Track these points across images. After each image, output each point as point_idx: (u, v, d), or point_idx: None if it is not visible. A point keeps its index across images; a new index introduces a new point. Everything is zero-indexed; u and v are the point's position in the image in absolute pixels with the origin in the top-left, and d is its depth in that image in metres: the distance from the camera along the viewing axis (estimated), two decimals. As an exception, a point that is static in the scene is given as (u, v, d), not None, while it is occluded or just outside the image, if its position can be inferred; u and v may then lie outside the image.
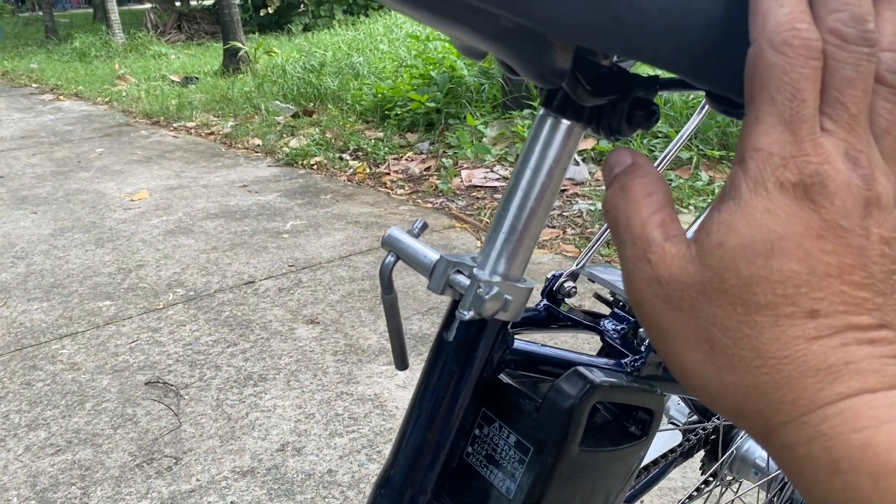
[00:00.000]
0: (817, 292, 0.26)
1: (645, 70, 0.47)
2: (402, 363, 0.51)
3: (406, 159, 4.30)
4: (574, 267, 0.60)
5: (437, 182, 3.85)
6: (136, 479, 1.66)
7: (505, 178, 3.80)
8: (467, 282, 0.42)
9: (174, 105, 6.42)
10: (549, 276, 0.60)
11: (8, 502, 1.60)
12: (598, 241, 0.61)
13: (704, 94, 0.43)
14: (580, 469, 0.45)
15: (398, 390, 1.96)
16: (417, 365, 2.08)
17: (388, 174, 4.10)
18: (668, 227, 0.30)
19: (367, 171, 4.19)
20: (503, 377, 0.47)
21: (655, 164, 0.62)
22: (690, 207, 2.97)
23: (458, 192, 3.73)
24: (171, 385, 2.03)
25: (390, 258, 0.46)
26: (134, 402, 1.96)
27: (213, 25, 13.43)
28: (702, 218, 0.31)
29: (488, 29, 0.32)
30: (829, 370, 0.26)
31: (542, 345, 0.48)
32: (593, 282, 0.62)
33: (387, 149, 4.44)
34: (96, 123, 6.19)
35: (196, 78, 7.85)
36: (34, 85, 8.79)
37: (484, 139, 4.24)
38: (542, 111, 0.42)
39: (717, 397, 0.28)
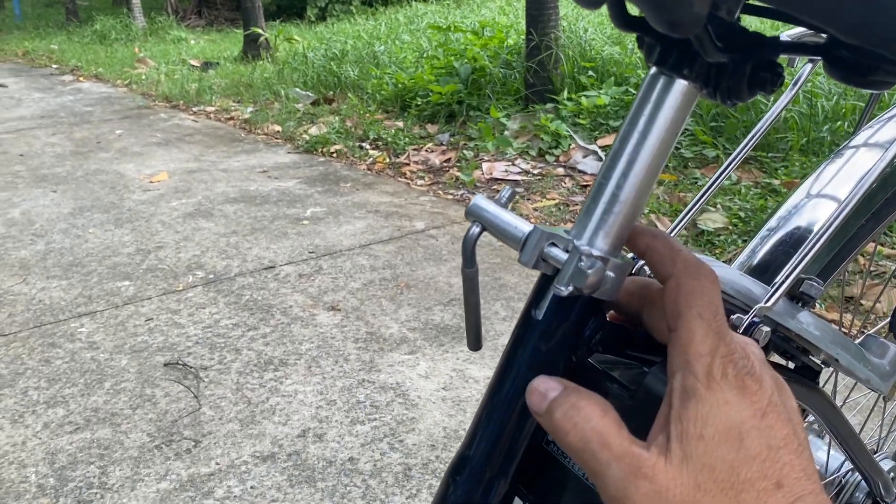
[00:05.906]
0: (776, 463, 0.31)
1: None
2: (475, 343, 0.48)
3: (426, 150, 4.27)
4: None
5: (458, 174, 3.81)
6: (155, 459, 1.64)
7: (527, 172, 3.76)
8: (563, 255, 0.38)
9: (194, 89, 6.41)
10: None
11: (26, 479, 1.58)
12: (680, 222, 0.57)
13: (822, 60, 0.39)
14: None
15: (420, 380, 1.93)
16: (440, 355, 2.06)
17: (409, 164, 4.07)
18: (638, 439, 0.34)
19: (387, 160, 4.16)
20: (591, 361, 0.43)
21: (727, 164, 0.58)
22: (717, 206, 2.92)
23: (479, 184, 3.70)
24: (191, 367, 2.01)
25: (475, 229, 0.43)
26: (153, 383, 1.94)
27: (232, 12, 13.43)
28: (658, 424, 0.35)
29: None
30: None
31: (632, 328, 0.45)
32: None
33: (407, 139, 4.40)
34: (116, 105, 6.18)
35: (216, 63, 7.84)
36: (54, 66, 8.80)
37: (506, 132, 4.20)
38: (653, 70, 0.38)
39: None
